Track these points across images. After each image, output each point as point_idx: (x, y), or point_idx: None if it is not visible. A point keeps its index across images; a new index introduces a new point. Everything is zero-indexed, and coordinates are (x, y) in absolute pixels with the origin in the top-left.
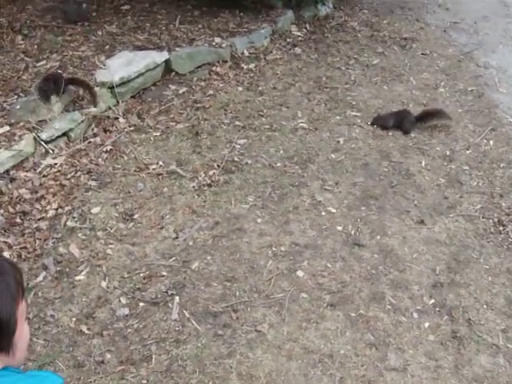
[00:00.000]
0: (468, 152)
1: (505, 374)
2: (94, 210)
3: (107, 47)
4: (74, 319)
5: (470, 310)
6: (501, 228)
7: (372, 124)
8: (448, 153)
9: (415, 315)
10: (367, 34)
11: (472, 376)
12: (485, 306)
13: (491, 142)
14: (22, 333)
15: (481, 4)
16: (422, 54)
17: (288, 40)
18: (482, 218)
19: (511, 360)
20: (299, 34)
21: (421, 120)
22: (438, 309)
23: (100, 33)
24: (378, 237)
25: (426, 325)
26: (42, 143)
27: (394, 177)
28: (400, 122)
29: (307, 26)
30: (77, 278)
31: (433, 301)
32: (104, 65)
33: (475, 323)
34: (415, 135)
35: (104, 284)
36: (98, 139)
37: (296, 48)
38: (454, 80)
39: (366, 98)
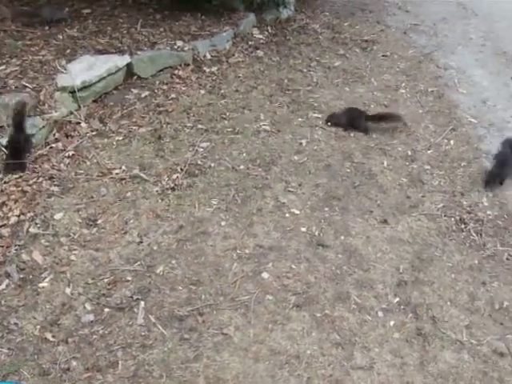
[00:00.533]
0: (429, 152)
1: (469, 370)
2: (57, 216)
3: (68, 51)
4: (38, 327)
5: (434, 307)
6: (463, 226)
7: (326, 122)
8: (410, 153)
9: (380, 314)
10: (329, 36)
11: (437, 372)
12: (448, 303)
13: (452, 142)
14: None
15: (440, 6)
16: (383, 55)
17: (250, 43)
18: (444, 216)
19: (475, 355)
20: (261, 36)
21: (372, 120)
22: (402, 307)
23: (61, 36)
24: (342, 237)
25: (391, 323)
26: (3, 149)
27: (357, 177)
28: (352, 119)
29: (269, 28)
30: (40, 285)
31: (397, 299)
32: (65, 69)
33: (439, 320)
34: (377, 136)
35: (68, 290)
36: (59, 144)
37: (258, 51)
38: (415, 81)
39: (328, 99)
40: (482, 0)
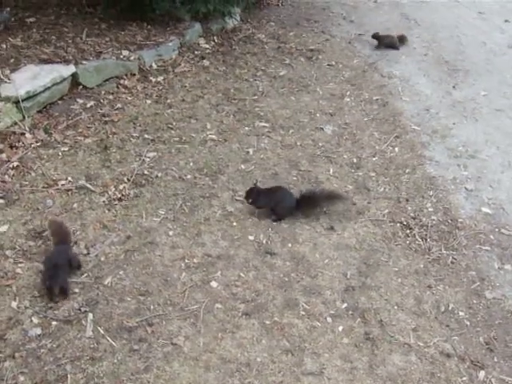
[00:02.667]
0: (374, 159)
1: (417, 371)
2: (2, 229)
3: (12, 60)
4: None
5: (382, 311)
6: (408, 231)
7: (246, 199)
8: (355, 160)
9: (329, 319)
10: (274, 45)
11: (386, 375)
12: (395, 307)
13: (396, 149)
14: None
15: (384, 17)
16: (328, 65)
17: (196, 52)
18: (390, 222)
19: (423, 357)
20: (207, 46)
21: (303, 203)
22: (350, 312)
23: (4, 46)
24: (290, 244)
25: (340, 328)
26: None
27: (303, 185)
28: (275, 205)
29: (215, 38)
30: None
31: (345, 304)
32: (9, 79)
33: (387, 324)
34: (322, 144)
35: (14, 304)
36: (3, 155)
37: (204, 60)
38: (360, 90)
39: (274, 108)
40: (424, 11)
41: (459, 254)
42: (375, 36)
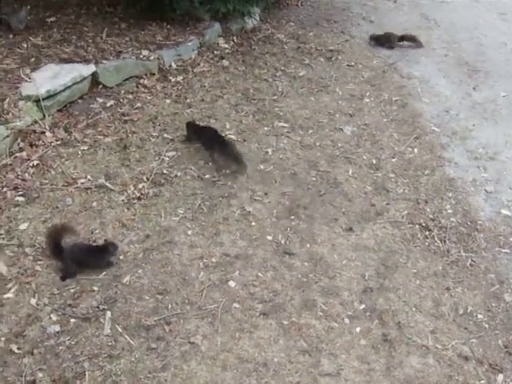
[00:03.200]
0: (393, 160)
1: (435, 374)
2: (22, 226)
3: (33, 60)
4: (3, 339)
5: (400, 313)
6: (427, 233)
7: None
8: (374, 161)
9: (346, 320)
10: (294, 46)
11: (403, 377)
12: (414, 309)
13: (416, 150)
14: None
15: (403, 17)
16: (348, 65)
17: (215, 52)
18: (409, 223)
19: (440, 360)
20: (226, 46)
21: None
22: (368, 313)
23: (25, 45)
24: (308, 245)
25: (358, 329)
26: None
27: (322, 186)
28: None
29: (234, 38)
30: (5, 296)
31: (363, 306)
32: (29, 78)
33: (405, 326)
34: (342, 144)
35: (33, 301)
36: (24, 154)
37: (223, 60)
38: (379, 90)
39: (294, 109)
40: (444, 11)
41: (478, 257)
42: (372, 37)
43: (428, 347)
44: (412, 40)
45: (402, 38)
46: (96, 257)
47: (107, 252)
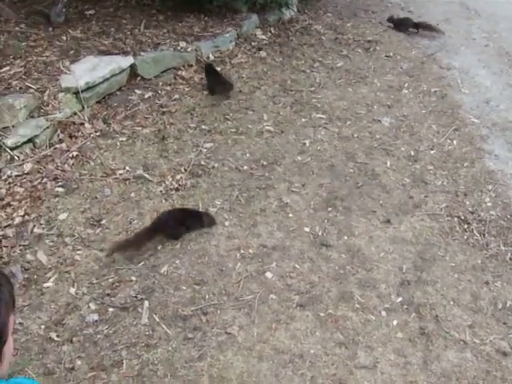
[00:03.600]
0: (432, 152)
1: (472, 369)
2: (61, 217)
3: (72, 52)
4: (43, 326)
5: (437, 306)
6: (465, 226)
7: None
8: (412, 153)
9: (383, 313)
10: (331, 37)
11: (440, 371)
12: (451, 303)
13: (455, 142)
14: (10, 344)
15: (443, 7)
16: (386, 56)
17: (253, 44)
18: (447, 216)
19: (478, 355)
20: (264, 37)
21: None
22: (405, 306)
23: (64, 38)
24: (345, 237)
25: (395, 322)
26: (7, 150)
27: (360, 177)
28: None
29: (272, 29)
30: (45, 285)
31: (400, 299)
32: (69, 70)
33: (442, 320)
34: (380, 136)
35: (73, 290)
36: (63, 145)
37: (261, 51)
38: (418, 81)
39: (331, 100)
40: (485, 1)
41: None
42: (390, 19)
43: (466, 342)
44: (428, 28)
45: (417, 26)
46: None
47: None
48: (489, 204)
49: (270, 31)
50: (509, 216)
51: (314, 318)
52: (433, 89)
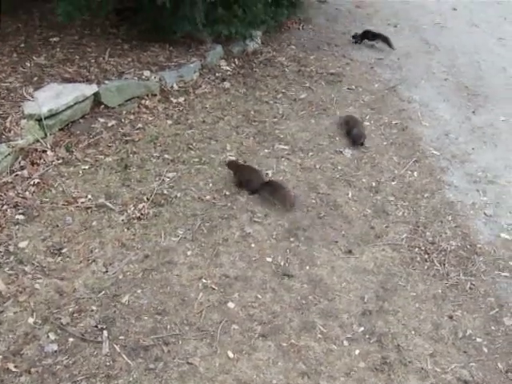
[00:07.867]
0: (393, 183)
1: None
2: (22, 244)
3: (35, 79)
4: (0, 357)
5: (399, 336)
6: (426, 256)
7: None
8: (374, 184)
9: (345, 343)
10: (295, 69)
11: None
12: (413, 332)
13: (415, 174)
14: None
15: (404, 41)
16: (348, 88)
17: (217, 74)
18: (408, 246)
19: (440, 383)
20: (228, 68)
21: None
22: (367, 336)
23: (28, 64)
24: (307, 267)
25: (357, 352)
26: None
27: (322, 208)
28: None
29: (236, 60)
30: (3, 314)
31: (362, 328)
32: (32, 96)
33: (404, 349)
34: (342, 167)
35: (31, 320)
36: (25, 172)
37: (225, 82)
38: (379, 114)
39: (294, 131)
40: (444, 36)
41: (478, 280)
42: (354, 36)
43: (427, 370)
44: (386, 41)
45: (376, 36)
46: None
47: None
48: (449, 234)
49: (234, 62)
50: (468, 246)
51: (277, 348)
52: (394, 121)
